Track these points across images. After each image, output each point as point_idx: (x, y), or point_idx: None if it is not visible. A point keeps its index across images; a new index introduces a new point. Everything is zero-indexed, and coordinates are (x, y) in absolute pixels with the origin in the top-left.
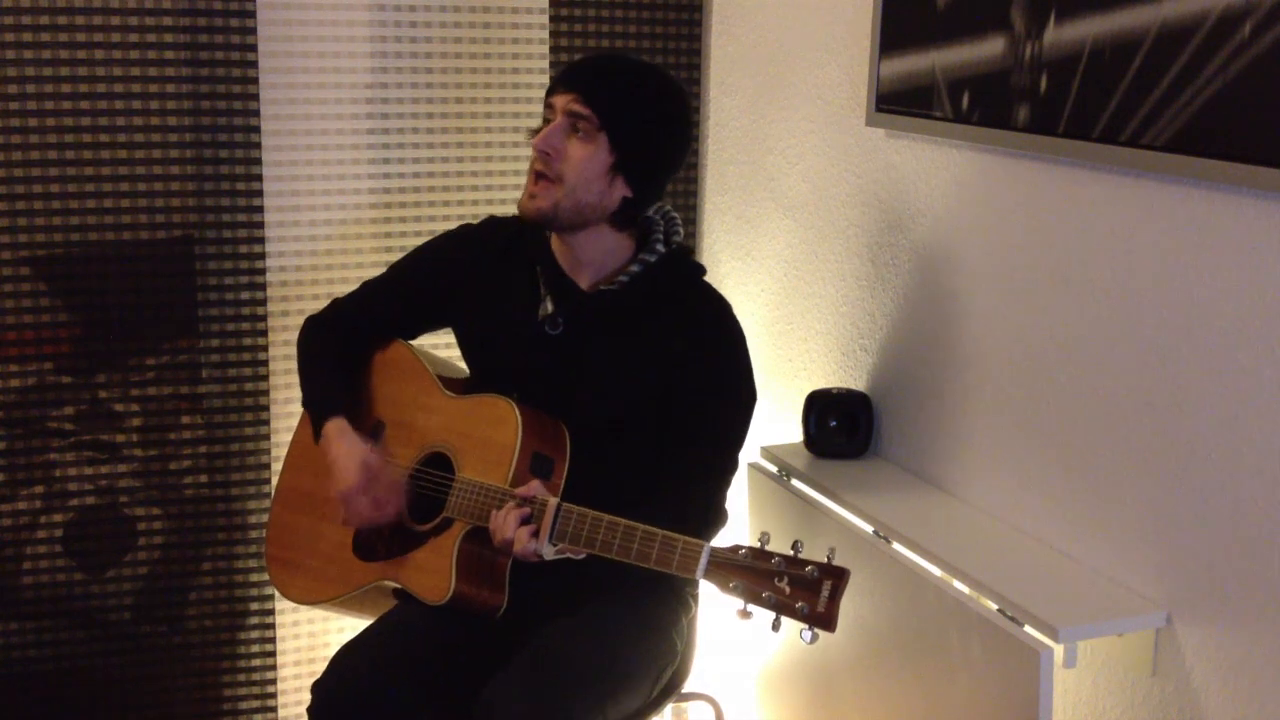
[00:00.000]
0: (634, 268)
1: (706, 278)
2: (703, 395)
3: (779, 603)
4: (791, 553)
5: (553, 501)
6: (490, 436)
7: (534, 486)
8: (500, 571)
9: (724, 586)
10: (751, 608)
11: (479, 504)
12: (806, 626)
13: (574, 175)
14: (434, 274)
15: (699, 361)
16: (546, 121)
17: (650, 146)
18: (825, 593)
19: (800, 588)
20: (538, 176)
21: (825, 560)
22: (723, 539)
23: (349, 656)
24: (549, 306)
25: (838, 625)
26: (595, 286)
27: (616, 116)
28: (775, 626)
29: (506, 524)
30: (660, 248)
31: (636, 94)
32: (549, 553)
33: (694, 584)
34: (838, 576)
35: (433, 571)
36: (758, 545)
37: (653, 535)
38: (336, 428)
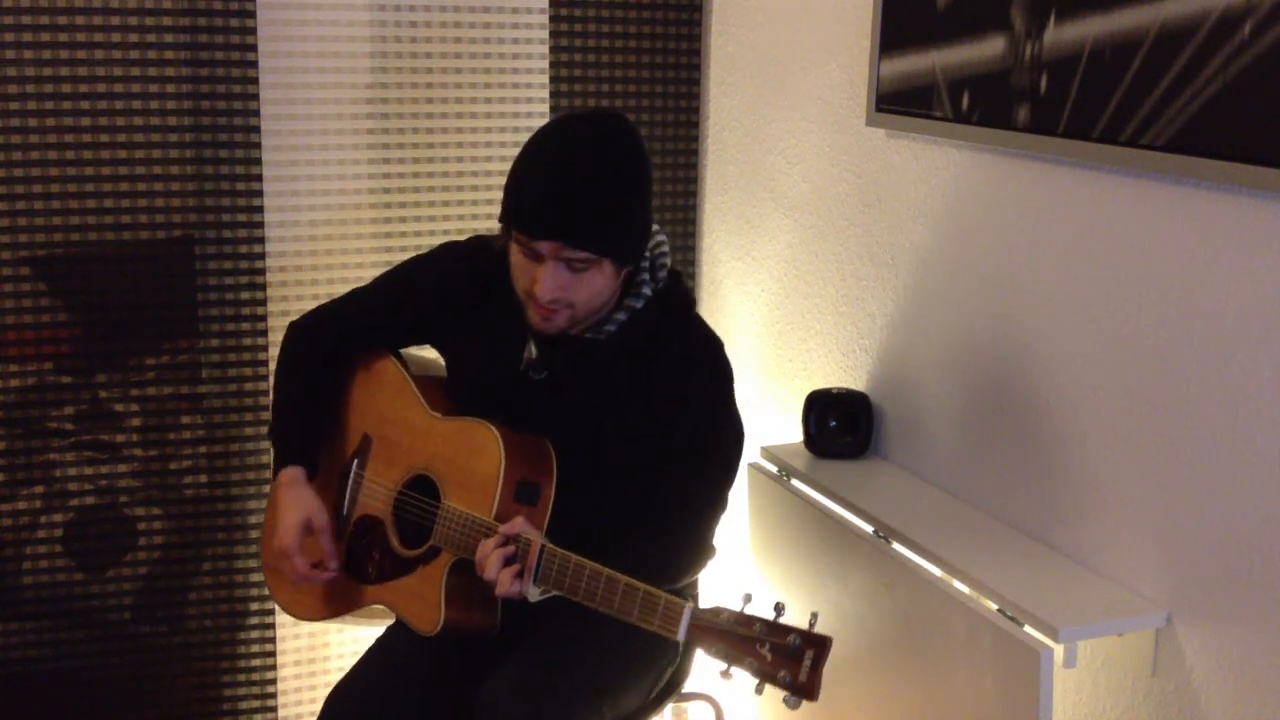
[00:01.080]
0: (620, 315)
1: (706, 281)
2: (692, 442)
3: (761, 670)
4: (774, 615)
5: (536, 543)
6: (473, 465)
7: (518, 524)
8: (492, 596)
9: (706, 650)
10: (734, 670)
11: (464, 536)
12: (789, 694)
13: (586, 299)
14: (419, 297)
15: (687, 408)
16: (524, 248)
17: (641, 227)
18: (807, 662)
19: (782, 656)
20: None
21: (807, 627)
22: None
23: (343, 699)
24: (533, 351)
25: (820, 693)
26: (581, 332)
27: (613, 243)
28: (759, 690)
29: (490, 565)
30: (647, 290)
31: (614, 204)
32: (534, 594)
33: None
34: (819, 646)
35: (422, 601)
36: (740, 607)
37: (634, 590)
38: (290, 476)
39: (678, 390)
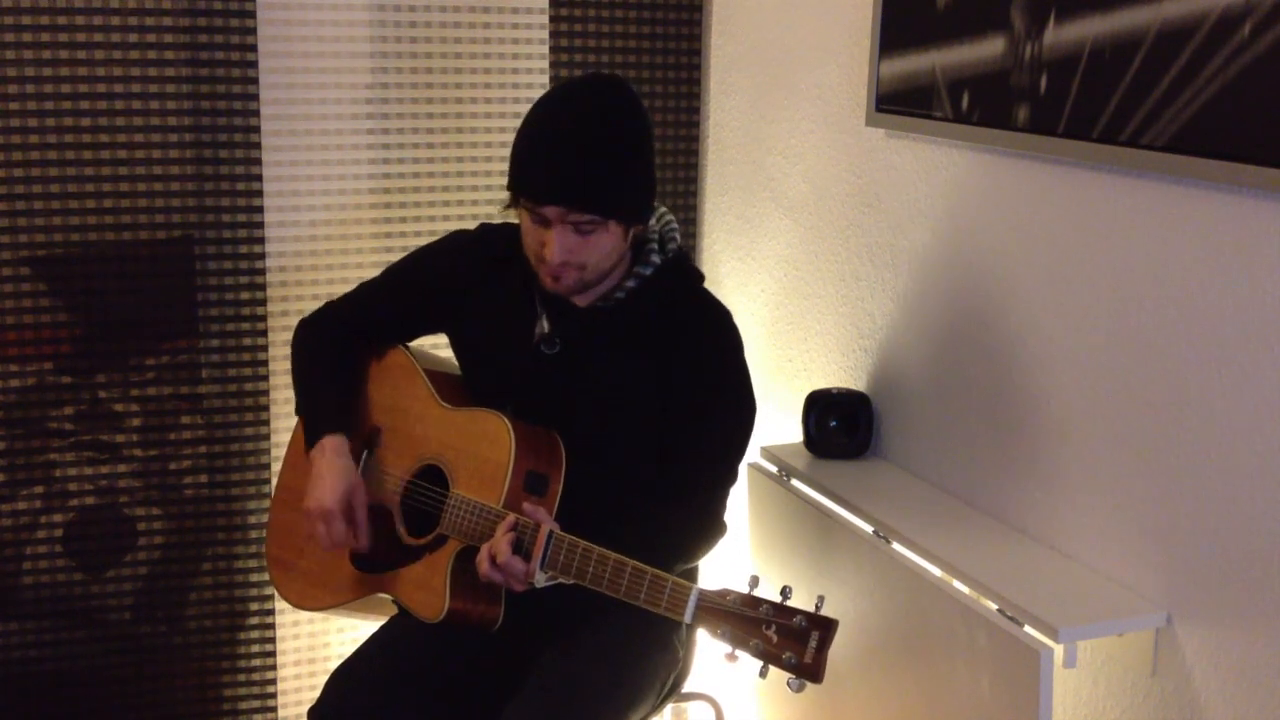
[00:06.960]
0: (630, 283)
1: (706, 281)
2: (702, 408)
3: (766, 652)
4: (780, 599)
5: (545, 528)
6: (484, 453)
7: (527, 509)
8: (496, 586)
9: (712, 631)
10: (739, 653)
11: (472, 523)
12: (793, 676)
13: (596, 260)
14: (428, 283)
15: (698, 374)
16: (532, 213)
17: (646, 188)
18: (813, 643)
19: (788, 638)
20: (560, 264)
21: (814, 609)
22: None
23: (345, 680)
24: (545, 326)
25: (824, 676)
26: (592, 303)
27: (617, 203)
28: (763, 674)
29: (499, 549)
30: (656, 259)
31: (615, 165)
32: (541, 580)
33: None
34: (825, 627)
35: (427, 589)
36: (747, 590)
37: (642, 573)
38: (334, 445)
39: (689, 358)
